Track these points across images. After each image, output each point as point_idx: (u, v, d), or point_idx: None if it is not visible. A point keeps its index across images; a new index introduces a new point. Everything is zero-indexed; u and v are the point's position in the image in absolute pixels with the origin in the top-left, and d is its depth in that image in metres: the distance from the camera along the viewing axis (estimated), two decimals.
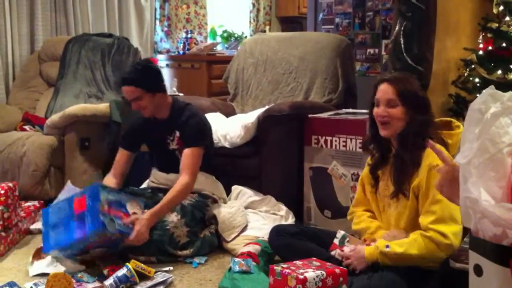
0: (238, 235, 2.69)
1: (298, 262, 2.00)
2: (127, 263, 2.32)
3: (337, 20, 5.06)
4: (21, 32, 4.29)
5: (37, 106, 4.02)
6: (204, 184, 2.83)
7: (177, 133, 2.83)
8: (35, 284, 2.31)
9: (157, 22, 5.43)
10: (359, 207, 2.28)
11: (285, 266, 1.97)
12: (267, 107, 3.21)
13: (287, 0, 6.56)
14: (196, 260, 2.57)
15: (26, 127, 3.75)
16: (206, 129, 2.87)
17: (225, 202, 2.90)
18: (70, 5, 4.55)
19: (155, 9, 5.40)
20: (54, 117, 3.42)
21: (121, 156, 2.90)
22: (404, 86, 2.04)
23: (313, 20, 5.16)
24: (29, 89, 4.11)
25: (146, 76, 2.75)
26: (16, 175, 3.26)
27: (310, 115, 3.05)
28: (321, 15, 5.14)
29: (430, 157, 1.96)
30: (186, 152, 2.75)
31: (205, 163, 2.81)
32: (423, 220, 1.96)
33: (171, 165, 2.84)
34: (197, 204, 2.74)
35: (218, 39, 5.98)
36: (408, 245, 1.96)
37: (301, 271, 1.91)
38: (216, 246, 2.71)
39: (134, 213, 2.55)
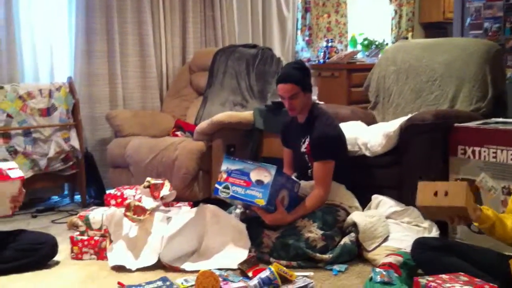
0: (379, 245, 2.66)
1: (444, 276, 1.94)
2: (270, 266, 2.40)
3: (486, 24, 4.80)
4: (174, 45, 4.64)
5: (187, 114, 4.31)
6: (333, 193, 2.87)
7: (308, 139, 2.90)
8: (185, 280, 2.48)
9: (299, 32, 5.54)
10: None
11: (430, 279, 1.92)
12: (409, 115, 3.14)
13: (431, 5, 6.34)
14: (336, 267, 2.59)
15: (178, 133, 4.04)
16: (337, 142, 2.91)
17: (357, 210, 2.90)
18: (218, 19, 4.82)
19: (297, 19, 5.52)
20: (203, 124, 3.64)
21: (285, 152, 3.14)
22: None
23: (459, 26, 4.94)
24: (180, 97, 4.43)
25: (304, 75, 2.90)
26: (169, 178, 3.51)
27: (456, 124, 2.94)
28: (468, 20, 4.91)
29: None
30: (317, 165, 2.84)
31: (337, 172, 2.85)
32: None
33: (301, 166, 2.98)
34: (326, 210, 2.80)
35: (359, 47, 5.95)
36: None
37: (448, 285, 1.85)
38: (356, 255, 2.71)
39: (259, 180, 2.66)
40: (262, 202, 2.63)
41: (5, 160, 3.51)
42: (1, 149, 3.59)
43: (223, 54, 4.39)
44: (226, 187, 2.72)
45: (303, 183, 2.90)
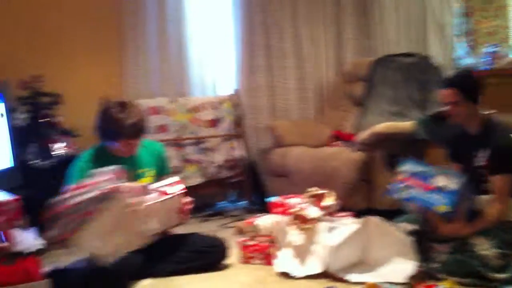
0: None
1: None
2: (441, 283, 2.34)
3: None
4: (330, 56, 4.71)
5: (345, 124, 4.34)
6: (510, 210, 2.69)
7: (486, 153, 2.75)
8: None
9: (459, 38, 5.31)
10: None
11: None
12: None
13: None
14: None
15: (336, 143, 4.08)
16: None
17: None
18: (374, 28, 4.79)
19: (456, 25, 5.30)
20: (363, 135, 3.63)
21: (452, 166, 2.99)
22: None
23: None
24: (337, 108, 4.47)
25: (469, 83, 2.77)
26: (329, 187, 3.54)
27: None
28: None
29: None
30: (497, 179, 2.68)
31: None
32: None
33: (472, 180, 2.78)
34: (503, 227, 2.62)
35: None
36: None
37: None
38: None
39: (442, 186, 2.57)
40: (443, 208, 2.55)
41: (177, 169, 3.81)
42: (175, 158, 3.90)
43: (380, 63, 4.36)
44: (404, 188, 2.68)
45: (478, 197, 2.77)
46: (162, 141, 3.52)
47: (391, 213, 3.05)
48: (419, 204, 2.65)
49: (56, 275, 2.55)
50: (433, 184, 2.59)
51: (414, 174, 2.66)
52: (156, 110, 3.92)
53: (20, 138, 3.38)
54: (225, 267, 2.94)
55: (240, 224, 3.14)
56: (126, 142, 2.75)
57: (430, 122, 3.56)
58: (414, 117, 3.81)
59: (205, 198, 4.24)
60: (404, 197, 2.67)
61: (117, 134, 2.73)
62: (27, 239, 2.86)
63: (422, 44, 5.08)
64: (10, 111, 3.24)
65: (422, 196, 2.61)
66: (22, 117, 3.40)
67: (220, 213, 4.11)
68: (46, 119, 3.50)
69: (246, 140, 4.15)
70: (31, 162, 3.37)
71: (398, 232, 2.78)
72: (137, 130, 2.75)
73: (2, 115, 3.20)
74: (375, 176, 3.56)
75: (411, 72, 4.22)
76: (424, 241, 2.69)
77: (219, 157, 4.01)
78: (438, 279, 2.50)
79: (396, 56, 4.45)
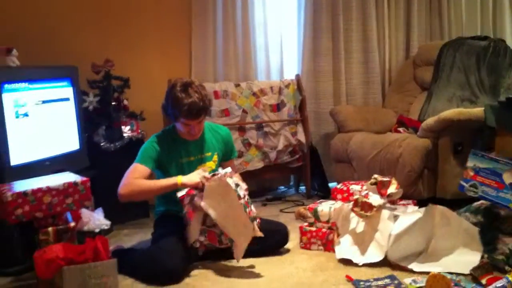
0: None
1: None
2: (508, 275, 2.26)
3: None
4: (398, 39, 4.60)
5: (410, 109, 4.23)
6: None
7: None
8: (414, 281, 2.45)
9: None
10: None
11: None
12: None
13: None
14: None
15: (400, 129, 3.99)
16: None
17: None
18: (445, 10, 4.65)
19: None
20: (429, 121, 3.53)
21: None
22: None
23: None
24: (403, 93, 4.36)
25: None
26: (392, 174, 3.48)
27: None
28: None
29: None
30: None
31: None
32: None
33: None
34: None
35: None
36: None
37: None
38: None
39: (510, 184, 2.47)
40: None
41: (239, 153, 3.82)
42: (237, 142, 3.93)
43: (451, 47, 4.21)
44: (474, 186, 2.61)
45: None
46: (225, 125, 3.55)
47: (456, 202, 2.97)
48: (493, 203, 2.56)
49: (120, 255, 2.64)
50: (503, 182, 2.49)
51: (480, 171, 2.56)
52: (220, 94, 3.95)
53: (90, 120, 3.49)
54: (286, 251, 2.96)
55: (300, 209, 3.14)
56: (184, 122, 2.78)
57: (501, 109, 3.41)
58: (484, 103, 3.66)
59: (265, 182, 4.27)
60: (476, 195, 2.58)
61: (175, 112, 2.77)
62: (95, 219, 2.98)
63: (496, 26, 4.88)
64: (79, 95, 3.34)
65: (494, 195, 2.52)
66: (93, 100, 3.50)
67: (280, 198, 4.12)
68: (115, 103, 3.59)
69: (308, 125, 4.12)
70: (101, 144, 3.48)
71: (464, 222, 2.70)
72: (194, 110, 2.72)
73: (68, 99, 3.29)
74: (441, 164, 3.46)
75: (483, 56, 4.06)
76: (489, 232, 2.60)
77: (280, 142, 4.01)
78: (504, 271, 2.42)
79: (468, 39, 4.29)
